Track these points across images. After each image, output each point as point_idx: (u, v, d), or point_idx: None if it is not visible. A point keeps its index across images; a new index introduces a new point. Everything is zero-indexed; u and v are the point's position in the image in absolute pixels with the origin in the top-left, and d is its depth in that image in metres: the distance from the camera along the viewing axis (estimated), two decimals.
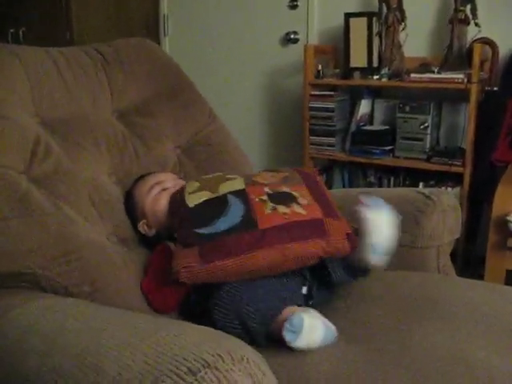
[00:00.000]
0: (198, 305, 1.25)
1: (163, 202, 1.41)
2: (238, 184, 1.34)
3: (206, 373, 0.76)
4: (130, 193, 1.49)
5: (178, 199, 1.36)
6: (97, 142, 1.53)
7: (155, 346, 0.82)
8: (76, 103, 1.56)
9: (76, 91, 1.57)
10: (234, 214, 1.26)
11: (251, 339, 1.14)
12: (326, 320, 1.15)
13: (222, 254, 1.20)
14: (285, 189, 1.33)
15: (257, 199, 1.29)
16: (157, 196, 1.43)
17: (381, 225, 1.26)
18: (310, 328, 1.10)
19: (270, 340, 1.16)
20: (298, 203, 1.29)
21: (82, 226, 1.31)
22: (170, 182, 1.47)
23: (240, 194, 1.31)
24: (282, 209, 1.27)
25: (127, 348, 0.83)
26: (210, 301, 1.19)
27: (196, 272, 1.19)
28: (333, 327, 1.15)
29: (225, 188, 1.33)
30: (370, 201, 1.28)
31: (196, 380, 0.75)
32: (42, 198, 1.28)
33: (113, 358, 0.82)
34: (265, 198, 1.29)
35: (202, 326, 0.91)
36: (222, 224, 1.24)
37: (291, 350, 1.10)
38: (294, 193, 1.32)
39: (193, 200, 1.33)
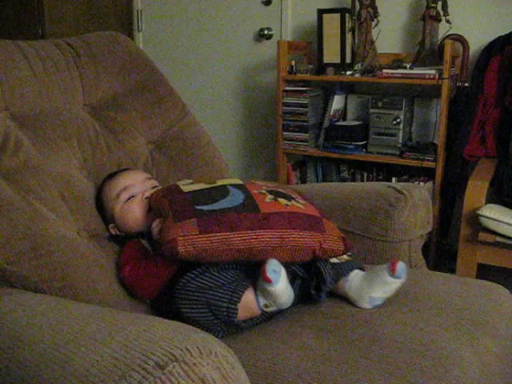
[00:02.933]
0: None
1: (132, 211, 1.39)
2: (235, 180, 1.36)
3: (173, 367, 0.75)
4: (99, 194, 1.47)
5: (170, 191, 1.33)
6: (68, 136, 1.52)
7: (124, 340, 0.82)
8: (47, 97, 1.55)
9: (47, 85, 1.55)
10: (235, 198, 1.26)
11: (223, 325, 1.17)
12: None
13: (224, 226, 1.18)
14: (280, 190, 1.35)
15: (255, 191, 1.30)
16: (125, 205, 1.40)
17: (390, 290, 1.30)
18: (285, 277, 1.18)
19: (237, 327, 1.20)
20: (297, 201, 1.31)
21: (53, 221, 1.30)
22: (137, 186, 1.43)
23: (239, 186, 1.32)
24: (282, 200, 1.28)
25: (95, 343, 0.83)
26: (175, 295, 1.20)
27: (194, 241, 1.15)
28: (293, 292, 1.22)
29: (223, 182, 1.34)
30: (399, 271, 1.28)
31: (163, 374, 0.74)
32: (11, 193, 1.27)
33: (80, 354, 0.81)
34: (264, 191, 1.31)
35: (172, 321, 0.91)
36: (223, 203, 1.24)
37: (269, 292, 1.17)
38: (291, 194, 1.34)
39: (188, 188, 1.31)
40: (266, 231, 1.20)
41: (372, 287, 1.28)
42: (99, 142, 1.59)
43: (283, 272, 1.17)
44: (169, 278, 1.25)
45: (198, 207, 1.22)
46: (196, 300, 1.17)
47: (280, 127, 2.95)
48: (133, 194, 1.41)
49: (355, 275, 1.32)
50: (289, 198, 1.31)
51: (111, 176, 1.48)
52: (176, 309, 1.20)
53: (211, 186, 1.32)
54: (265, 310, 1.21)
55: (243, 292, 1.18)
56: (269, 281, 1.14)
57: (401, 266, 1.26)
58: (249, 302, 1.18)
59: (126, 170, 1.52)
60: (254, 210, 1.23)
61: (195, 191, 1.30)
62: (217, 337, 1.11)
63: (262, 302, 1.19)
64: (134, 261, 1.30)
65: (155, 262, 1.26)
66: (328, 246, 1.25)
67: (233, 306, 1.16)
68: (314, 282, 1.29)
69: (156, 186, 1.46)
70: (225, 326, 1.19)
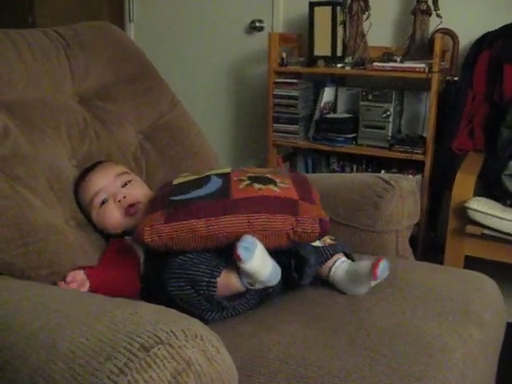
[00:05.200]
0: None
1: (107, 218, 1.40)
2: (225, 170, 1.39)
3: (158, 349, 0.76)
4: (76, 191, 1.45)
5: (163, 185, 1.42)
6: (57, 125, 1.52)
7: (109, 324, 0.82)
8: (36, 86, 1.54)
9: (36, 74, 1.55)
10: (211, 186, 1.29)
11: (206, 302, 1.17)
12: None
13: (189, 214, 1.21)
14: (268, 175, 1.34)
15: (236, 178, 1.31)
16: (100, 212, 1.40)
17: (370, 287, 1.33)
18: (262, 254, 1.16)
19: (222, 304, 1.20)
20: (276, 185, 1.30)
21: (41, 210, 1.30)
22: (109, 188, 1.41)
23: (223, 175, 1.34)
24: (257, 186, 1.28)
25: (81, 326, 0.83)
26: (162, 278, 1.20)
27: (159, 230, 1.20)
28: (279, 268, 1.20)
29: (211, 172, 1.38)
30: (381, 275, 1.28)
31: (148, 356, 0.75)
32: None
33: (66, 337, 0.82)
34: (244, 178, 1.31)
35: (158, 305, 0.92)
36: (196, 193, 1.28)
37: (242, 270, 1.15)
38: (276, 179, 1.33)
39: (178, 180, 1.38)
40: (232, 216, 1.20)
41: (354, 285, 1.32)
42: (88, 131, 1.58)
43: (258, 249, 1.16)
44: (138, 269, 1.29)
45: (172, 198, 1.28)
46: (179, 277, 1.17)
47: (270, 119, 2.95)
48: (104, 198, 1.40)
49: (340, 265, 1.35)
50: (269, 182, 1.30)
51: (83, 175, 1.46)
52: (163, 289, 1.19)
53: (198, 176, 1.37)
54: (250, 287, 1.20)
55: (224, 267, 1.18)
56: (238, 258, 1.13)
57: (382, 268, 1.27)
58: (230, 279, 1.18)
59: (97, 165, 1.49)
60: (224, 197, 1.25)
61: (181, 183, 1.36)
62: (205, 320, 1.13)
63: (246, 280, 1.18)
64: (102, 264, 1.34)
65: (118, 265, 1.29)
66: (302, 229, 1.22)
67: (213, 280, 1.16)
68: (293, 264, 1.29)
69: (129, 181, 1.45)
70: (207, 302, 1.18)
